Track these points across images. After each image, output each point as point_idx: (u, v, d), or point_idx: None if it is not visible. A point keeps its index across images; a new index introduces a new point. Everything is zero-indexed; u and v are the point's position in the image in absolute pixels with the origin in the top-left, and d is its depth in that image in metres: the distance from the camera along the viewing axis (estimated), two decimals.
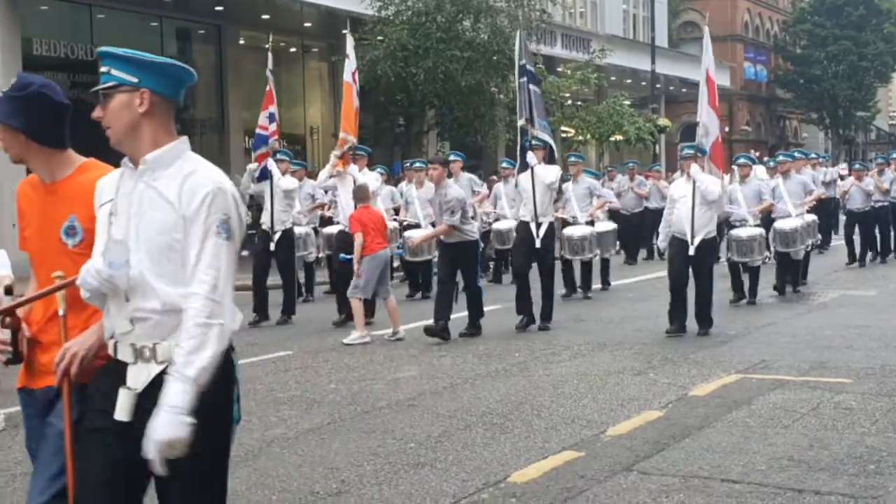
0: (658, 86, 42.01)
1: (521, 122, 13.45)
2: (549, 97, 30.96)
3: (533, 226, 13.18)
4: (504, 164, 20.21)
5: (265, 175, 14.46)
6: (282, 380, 10.18)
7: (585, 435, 7.86)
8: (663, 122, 39.12)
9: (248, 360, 10.94)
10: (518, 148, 13.78)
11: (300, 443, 7.70)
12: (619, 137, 34.39)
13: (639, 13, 46.73)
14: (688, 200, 12.41)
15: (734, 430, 7.95)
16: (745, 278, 15.57)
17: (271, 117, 14.95)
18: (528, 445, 7.59)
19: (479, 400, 9.15)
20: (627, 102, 35.66)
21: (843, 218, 23.16)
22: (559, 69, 33.81)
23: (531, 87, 13.39)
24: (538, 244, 13.14)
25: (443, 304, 12.24)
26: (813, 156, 25.50)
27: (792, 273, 16.34)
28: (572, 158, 17.82)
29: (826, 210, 21.83)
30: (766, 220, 15.98)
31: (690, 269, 12.56)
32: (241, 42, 29.04)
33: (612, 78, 39.28)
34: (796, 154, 20.46)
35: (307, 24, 30.16)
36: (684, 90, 49.09)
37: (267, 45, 16.55)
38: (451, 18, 26.38)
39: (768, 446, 7.41)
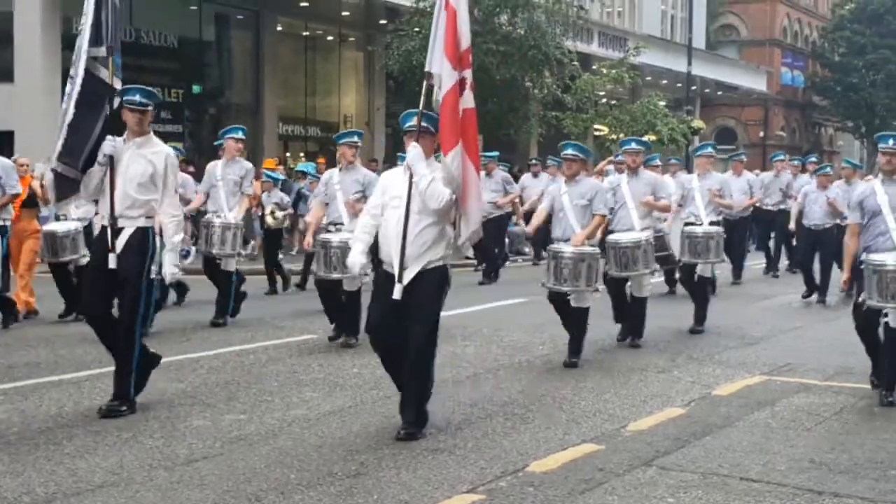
0: (693, 87, 41.81)
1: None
2: (583, 95, 30.89)
3: None
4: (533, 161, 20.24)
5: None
6: (305, 362, 10.21)
7: (606, 429, 7.84)
8: (697, 123, 38.88)
9: (273, 342, 10.99)
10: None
11: (321, 424, 7.72)
12: (652, 137, 34.20)
13: (677, 14, 46.50)
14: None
15: (756, 430, 7.91)
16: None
17: None
18: (548, 436, 7.58)
19: (500, 390, 9.15)
20: (662, 103, 35.48)
21: None
22: (594, 67, 33.68)
23: None
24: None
25: None
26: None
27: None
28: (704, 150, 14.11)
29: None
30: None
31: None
32: (279, 29, 29.14)
33: (648, 78, 39.13)
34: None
35: (345, 14, 30.22)
36: (720, 93, 48.96)
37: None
38: (488, 12, 26.33)
39: (789, 447, 7.38)
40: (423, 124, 7.60)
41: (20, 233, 12.91)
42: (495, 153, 20.02)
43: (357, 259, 7.66)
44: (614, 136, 34.06)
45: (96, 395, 8.57)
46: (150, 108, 8.14)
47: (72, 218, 12.80)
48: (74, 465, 6.62)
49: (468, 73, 7.66)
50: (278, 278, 16.44)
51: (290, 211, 17.60)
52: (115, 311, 8.17)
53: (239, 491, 6.18)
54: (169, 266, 8.22)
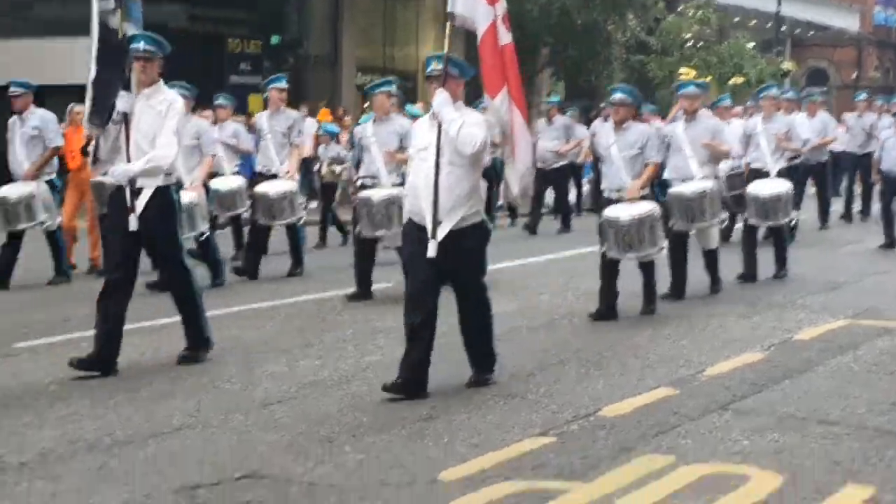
0: (783, 28, 40.82)
1: None
2: (668, 37, 30.39)
3: None
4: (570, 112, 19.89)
5: None
6: (380, 311, 10.23)
7: (682, 374, 7.76)
8: (787, 65, 37.99)
9: (347, 290, 11.01)
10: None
11: (393, 370, 7.68)
12: (740, 80, 33.53)
13: None
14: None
15: (837, 374, 7.77)
16: None
17: None
18: (621, 382, 7.53)
19: (575, 337, 9.11)
20: (751, 44, 34.75)
21: None
22: (680, 8, 33.07)
23: None
24: None
25: None
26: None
27: None
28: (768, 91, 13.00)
29: None
30: None
31: None
32: None
33: (736, 19, 38.30)
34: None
35: None
36: (811, 33, 47.77)
37: None
38: None
39: (870, 391, 7.24)
40: (449, 69, 7.14)
41: (82, 183, 12.59)
42: (556, 98, 19.71)
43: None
44: (701, 80, 33.49)
45: (174, 342, 8.70)
46: (155, 55, 7.76)
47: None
48: (153, 409, 6.76)
49: (501, 8, 7.29)
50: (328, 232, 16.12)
51: (348, 164, 17.41)
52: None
53: (312, 433, 6.25)
54: (118, 172, 7.73)
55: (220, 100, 14.21)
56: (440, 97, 7.04)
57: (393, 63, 30.90)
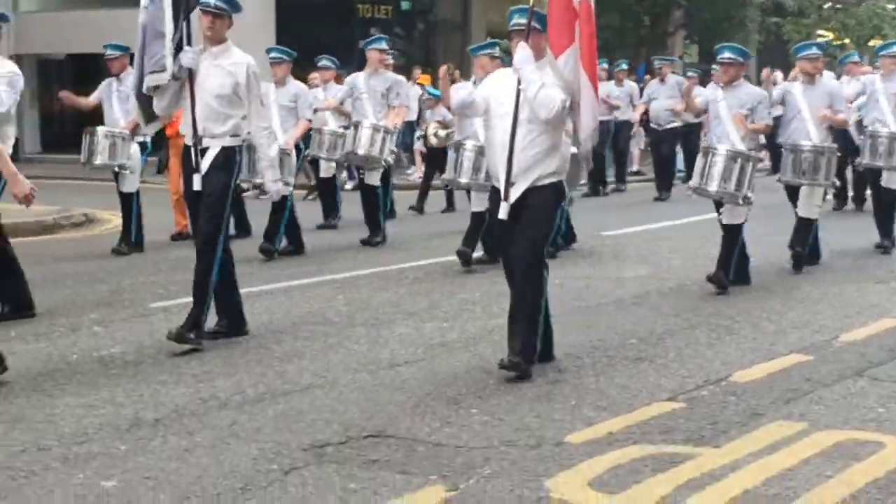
0: None
1: None
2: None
3: None
4: (689, 74, 19.22)
5: None
6: None
7: (816, 340, 7.56)
8: None
9: (476, 254, 10.99)
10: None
11: None
12: (879, 42, 32.46)
13: None
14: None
15: None
16: None
17: None
18: (753, 347, 7.38)
19: (706, 302, 8.94)
20: (892, 6, 33.61)
21: None
22: None
23: None
24: None
25: None
26: None
27: None
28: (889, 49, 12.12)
29: None
30: None
31: None
32: None
33: None
34: None
35: None
36: None
37: None
38: None
39: None
40: (533, 23, 6.68)
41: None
42: (673, 58, 19.15)
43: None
44: (839, 42, 32.55)
45: (305, 303, 8.86)
46: (225, 12, 7.50)
47: None
48: (283, 368, 6.86)
49: None
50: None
51: (454, 129, 17.18)
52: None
53: (439, 394, 6.27)
54: (271, 183, 7.75)
55: (324, 61, 14.25)
56: (521, 53, 6.63)
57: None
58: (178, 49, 7.41)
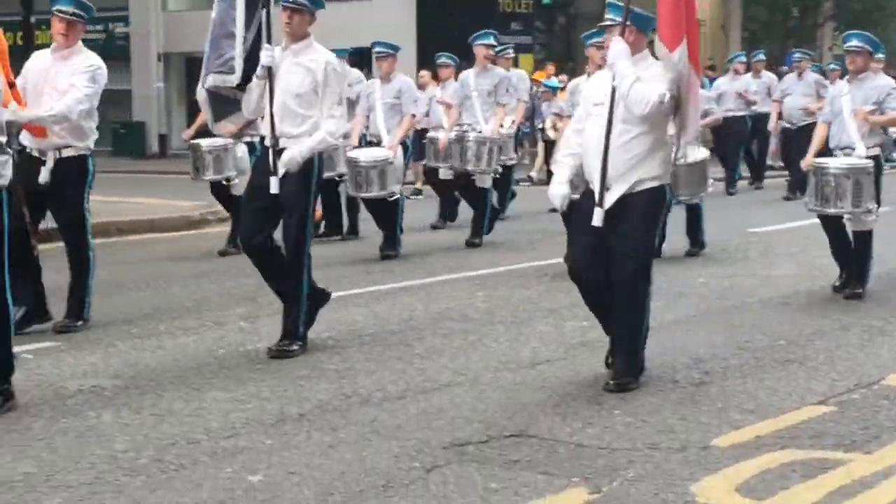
0: None
1: None
2: None
3: None
4: (832, 66, 18.38)
5: None
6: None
7: None
8: None
9: None
10: None
11: (664, 332, 7.57)
12: None
13: None
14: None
15: None
16: None
17: None
18: None
19: (857, 302, 8.65)
20: None
21: None
22: None
23: None
24: None
25: None
26: None
27: None
28: None
29: None
30: None
31: None
32: None
33: None
34: None
35: None
36: None
37: None
38: None
39: None
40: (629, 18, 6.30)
41: None
42: (810, 52, 18.44)
43: (558, 190, 6.46)
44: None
45: (444, 300, 8.87)
46: (304, 7, 7.13)
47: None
48: (423, 365, 6.88)
49: None
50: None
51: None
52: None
53: (580, 394, 6.21)
54: (296, 150, 7.08)
55: (443, 58, 14.11)
56: (616, 48, 6.23)
57: None
58: (253, 49, 7.20)
